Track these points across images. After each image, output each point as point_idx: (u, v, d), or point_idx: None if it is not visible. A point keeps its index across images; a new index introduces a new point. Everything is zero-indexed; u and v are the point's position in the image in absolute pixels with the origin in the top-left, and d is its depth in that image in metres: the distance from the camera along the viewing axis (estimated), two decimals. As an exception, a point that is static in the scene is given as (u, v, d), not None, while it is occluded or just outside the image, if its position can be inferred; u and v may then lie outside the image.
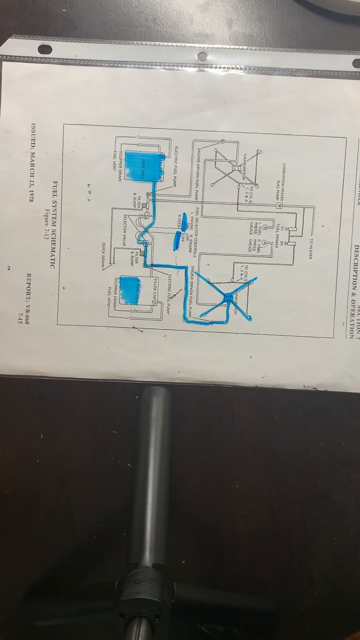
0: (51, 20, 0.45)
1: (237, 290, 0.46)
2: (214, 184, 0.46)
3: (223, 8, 0.46)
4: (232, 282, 0.46)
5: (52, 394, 0.47)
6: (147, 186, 0.46)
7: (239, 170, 0.45)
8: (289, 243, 0.46)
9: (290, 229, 0.46)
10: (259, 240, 0.46)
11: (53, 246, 0.46)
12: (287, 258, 0.46)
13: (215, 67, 0.45)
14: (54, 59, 0.45)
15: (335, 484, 0.47)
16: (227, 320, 0.46)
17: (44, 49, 0.45)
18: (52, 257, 0.46)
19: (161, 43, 0.45)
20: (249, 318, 0.46)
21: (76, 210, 0.46)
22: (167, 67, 0.45)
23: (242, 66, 0.45)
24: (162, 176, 0.46)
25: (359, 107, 0.45)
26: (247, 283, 0.46)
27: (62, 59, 0.45)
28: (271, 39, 0.46)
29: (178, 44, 0.45)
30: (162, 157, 0.45)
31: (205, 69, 0.45)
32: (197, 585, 0.46)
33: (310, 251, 0.46)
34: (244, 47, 0.45)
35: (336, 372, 0.46)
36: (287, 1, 0.46)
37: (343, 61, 0.45)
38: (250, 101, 0.45)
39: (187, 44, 0.45)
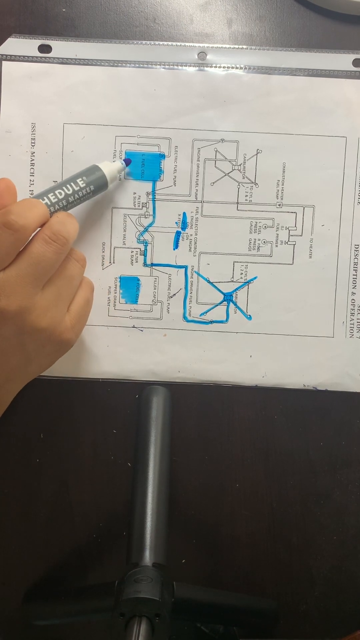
0: (51, 20, 0.45)
1: (237, 289, 0.46)
2: (213, 183, 0.46)
3: (223, 7, 0.46)
4: (232, 281, 0.46)
5: (52, 394, 0.47)
6: (147, 185, 0.46)
7: (239, 170, 0.45)
8: (288, 242, 0.46)
9: (290, 228, 0.46)
10: (259, 240, 0.46)
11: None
12: (287, 257, 0.46)
13: (215, 67, 0.45)
14: (54, 58, 0.45)
15: (335, 484, 0.47)
16: (227, 320, 0.46)
17: (44, 49, 0.45)
18: (52, 257, 0.46)
19: (161, 42, 0.45)
20: (249, 317, 0.46)
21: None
22: (167, 66, 0.45)
23: (242, 66, 0.45)
24: (162, 175, 0.46)
25: (359, 106, 0.45)
26: (247, 282, 0.46)
27: (62, 58, 0.45)
28: (271, 39, 0.46)
29: (178, 44, 0.45)
30: (162, 156, 0.45)
31: (205, 68, 0.45)
32: (197, 585, 0.46)
33: (310, 250, 0.46)
34: (244, 47, 0.45)
35: (336, 372, 0.46)
36: (287, 1, 0.46)
37: (343, 61, 0.45)
38: (250, 101, 0.45)
39: (187, 44, 0.45)
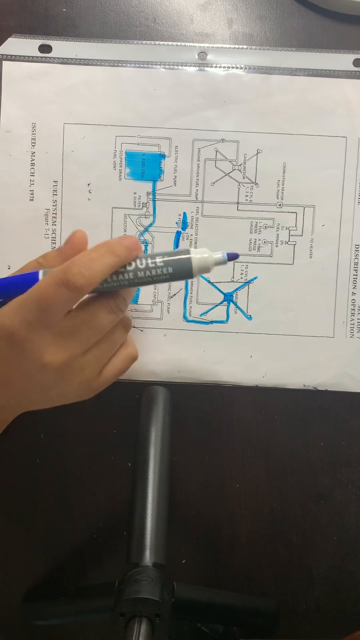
0: (51, 20, 0.45)
1: (237, 289, 0.46)
2: (214, 183, 0.46)
3: (223, 7, 0.46)
4: (233, 281, 0.46)
5: (52, 393, 0.47)
6: (147, 185, 0.46)
7: (239, 170, 0.45)
8: (289, 242, 0.46)
9: (290, 228, 0.46)
10: (259, 240, 0.46)
11: (53, 245, 0.46)
12: (288, 257, 0.46)
13: (216, 67, 0.45)
14: (54, 58, 0.45)
15: (335, 484, 0.47)
16: (227, 320, 0.46)
17: (44, 49, 0.45)
18: (52, 257, 0.46)
19: (161, 42, 0.45)
20: (249, 317, 0.46)
21: (76, 209, 0.46)
22: (167, 66, 0.45)
23: (242, 66, 0.45)
24: (162, 175, 0.46)
25: (359, 106, 0.45)
26: (248, 282, 0.46)
27: (62, 58, 0.45)
28: (271, 39, 0.46)
29: (178, 44, 0.45)
30: (162, 156, 0.45)
31: (206, 68, 0.45)
32: (197, 585, 0.46)
33: (311, 250, 0.46)
34: (244, 47, 0.45)
35: (336, 372, 0.46)
36: (287, 1, 0.46)
37: (343, 61, 0.45)
38: (250, 101, 0.45)
39: (187, 44, 0.45)
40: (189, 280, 0.46)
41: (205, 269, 0.35)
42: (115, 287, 0.36)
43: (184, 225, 0.46)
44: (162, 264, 0.35)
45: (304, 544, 0.47)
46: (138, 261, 0.35)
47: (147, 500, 0.41)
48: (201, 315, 0.46)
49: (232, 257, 0.36)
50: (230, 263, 0.46)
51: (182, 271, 0.35)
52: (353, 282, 0.46)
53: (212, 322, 0.46)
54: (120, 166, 0.45)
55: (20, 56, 0.45)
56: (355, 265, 0.46)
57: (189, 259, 0.35)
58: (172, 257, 0.35)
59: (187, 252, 0.35)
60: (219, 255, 0.35)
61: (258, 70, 0.45)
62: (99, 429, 0.47)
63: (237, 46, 0.45)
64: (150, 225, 0.46)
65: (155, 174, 0.45)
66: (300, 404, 0.47)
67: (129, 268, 0.35)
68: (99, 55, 0.45)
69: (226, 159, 0.45)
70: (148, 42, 0.45)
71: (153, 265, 0.35)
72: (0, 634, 0.48)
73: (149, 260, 0.35)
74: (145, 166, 0.45)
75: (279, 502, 0.47)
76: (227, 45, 0.45)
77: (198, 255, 0.35)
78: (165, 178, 0.46)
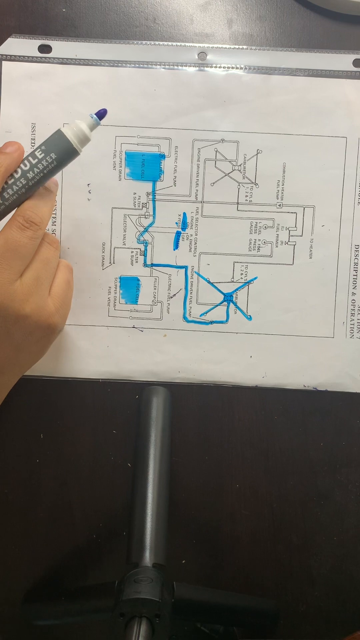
0: (51, 20, 0.45)
1: (237, 289, 0.46)
2: (214, 183, 0.46)
3: (223, 8, 0.46)
4: (232, 281, 0.46)
5: (52, 394, 0.47)
6: (147, 186, 0.46)
7: (239, 170, 0.45)
8: (289, 243, 0.46)
9: (290, 228, 0.46)
10: (259, 240, 0.46)
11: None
12: (287, 258, 0.46)
13: (215, 67, 0.45)
14: (54, 58, 0.45)
15: (335, 484, 0.47)
16: (227, 320, 0.46)
17: (44, 49, 0.45)
18: (52, 257, 0.46)
19: (161, 43, 0.45)
20: (249, 318, 0.46)
21: (76, 209, 0.46)
22: (167, 66, 0.45)
23: (242, 66, 0.45)
24: (162, 176, 0.46)
25: (359, 107, 0.45)
26: (247, 283, 0.46)
27: (62, 58, 0.45)
28: (271, 39, 0.46)
29: (178, 44, 0.45)
30: (162, 156, 0.45)
31: (205, 68, 0.45)
32: (197, 585, 0.46)
33: (311, 251, 0.46)
34: (244, 47, 0.45)
35: (336, 372, 0.46)
36: (287, 1, 0.46)
37: (343, 61, 0.45)
38: (250, 101, 0.45)
39: (187, 44, 0.45)
40: (189, 281, 0.46)
41: (85, 138, 0.36)
42: (16, 200, 0.37)
43: (184, 225, 0.46)
44: (42, 154, 0.35)
45: (304, 544, 0.47)
46: (22, 164, 0.36)
47: (147, 500, 0.41)
48: (201, 315, 0.46)
49: (101, 114, 0.36)
50: (230, 264, 0.46)
51: (65, 150, 0.35)
52: (353, 283, 0.46)
53: (212, 322, 0.46)
54: (120, 166, 0.45)
55: (20, 56, 0.45)
56: (355, 266, 0.46)
57: (64, 135, 0.35)
58: (49, 142, 0.35)
59: (60, 131, 0.36)
60: (89, 119, 0.36)
61: (258, 70, 0.45)
62: (99, 429, 0.47)
63: (237, 46, 0.45)
64: (150, 225, 0.46)
65: (155, 174, 0.45)
66: (300, 404, 0.47)
67: (16, 175, 0.36)
68: (98, 56, 0.45)
69: (226, 159, 0.45)
70: (148, 42, 0.45)
71: (36, 160, 0.35)
72: (0, 634, 0.48)
73: (30, 158, 0.35)
74: (145, 166, 0.45)
75: (279, 502, 0.47)
76: (227, 46, 0.45)
77: (70, 128, 0.35)
78: (165, 178, 0.46)
